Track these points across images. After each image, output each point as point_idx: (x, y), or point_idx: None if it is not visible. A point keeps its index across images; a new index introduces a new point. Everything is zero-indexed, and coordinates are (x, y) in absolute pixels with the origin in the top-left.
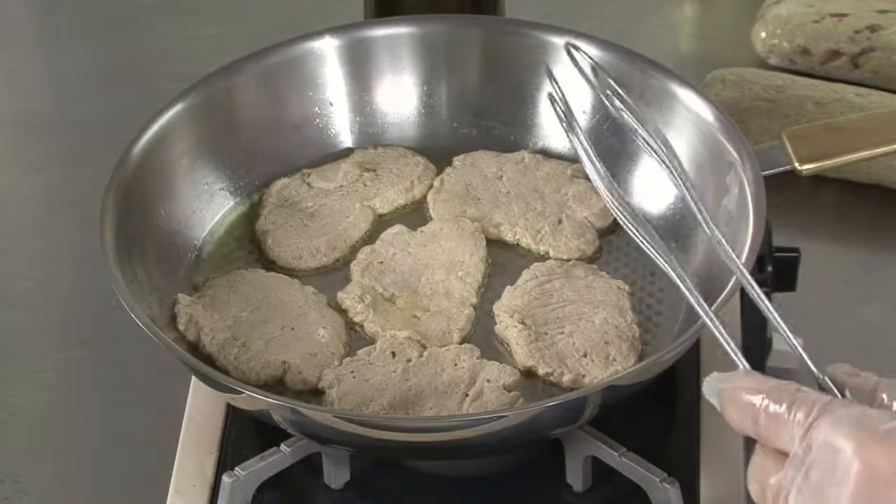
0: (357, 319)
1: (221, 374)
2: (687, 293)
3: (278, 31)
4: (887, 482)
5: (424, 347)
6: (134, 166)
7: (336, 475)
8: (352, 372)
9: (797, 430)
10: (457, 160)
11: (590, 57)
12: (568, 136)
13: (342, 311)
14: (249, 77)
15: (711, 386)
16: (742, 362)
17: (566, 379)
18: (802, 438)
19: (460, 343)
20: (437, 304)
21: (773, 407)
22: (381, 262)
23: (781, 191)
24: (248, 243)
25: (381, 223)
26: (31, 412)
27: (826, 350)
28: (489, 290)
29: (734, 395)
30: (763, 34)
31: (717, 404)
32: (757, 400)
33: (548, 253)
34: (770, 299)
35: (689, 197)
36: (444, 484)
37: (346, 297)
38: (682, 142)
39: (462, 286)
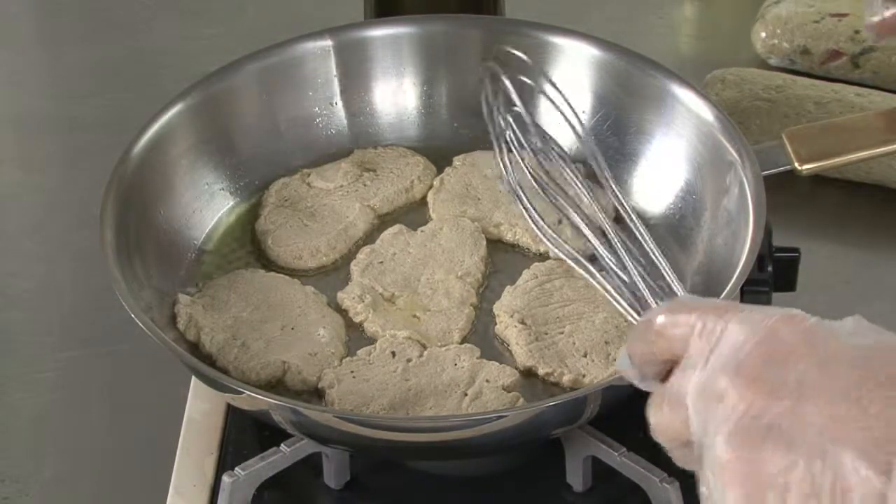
0: (357, 319)
1: (221, 374)
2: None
3: (278, 31)
4: (786, 347)
5: (424, 347)
6: (134, 166)
7: (336, 475)
8: (352, 372)
9: (707, 326)
10: (457, 160)
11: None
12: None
13: (342, 311)
14: (249, 77)
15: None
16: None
17: (566, 379)
18: (703, 333)
19: (460, 343)
20: (437, 304)
21: (676, 317)
22: (381, 262)
23: (781, 191)
24: (248, 243)
25: (381, 223)
26: (31, 412)
27: None
28: (489, 290)
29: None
30: (763, 34)
31: (626, 363)
32: (660, 318)
33: (548, 253)
34: (770, 299)
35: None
36: (444, 484)
37: (346, 297)
38: (683, 142)
39: (462, 286)
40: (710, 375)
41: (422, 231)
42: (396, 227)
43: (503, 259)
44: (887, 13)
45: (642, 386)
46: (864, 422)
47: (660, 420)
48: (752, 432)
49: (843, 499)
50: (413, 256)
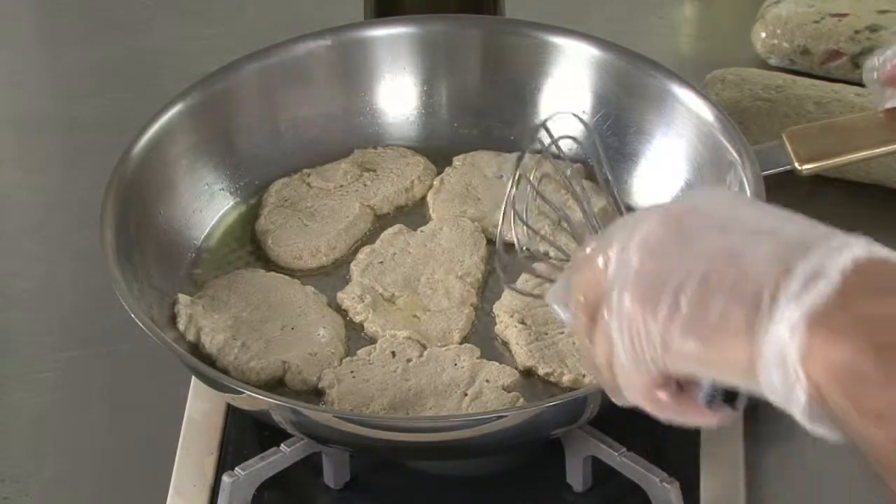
0: (357, 319)
1: (221, 374)
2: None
3: (278, 31)
4: (678, 214)
5: (424, 347)
6: (134, 166)
7: (336, 475)
8: (352, 372)
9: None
10: (457, 160)
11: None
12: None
13: (342, 312)
14: (249, 77)
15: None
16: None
17: (566, 379)
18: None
19: (461, 343)
20: (437, 304)
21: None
22: (381, 262)
23: (781, 191)
24: (248, 243)
25: (381, 223)
26: (31, 412)
27: None
28: (489, 290)
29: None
30: (763, 34)
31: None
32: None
33: (548, 253)
34: None
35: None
36: (444, 484)
37: (346, 297)
38: (683, 142)
39: (462, 286)
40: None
41: (422, 231)
42: (396, 227)
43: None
44: (889, 65)
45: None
46: (771, 243)
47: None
48: (660, 241)
49: (742, 286)
50: (413, 256)
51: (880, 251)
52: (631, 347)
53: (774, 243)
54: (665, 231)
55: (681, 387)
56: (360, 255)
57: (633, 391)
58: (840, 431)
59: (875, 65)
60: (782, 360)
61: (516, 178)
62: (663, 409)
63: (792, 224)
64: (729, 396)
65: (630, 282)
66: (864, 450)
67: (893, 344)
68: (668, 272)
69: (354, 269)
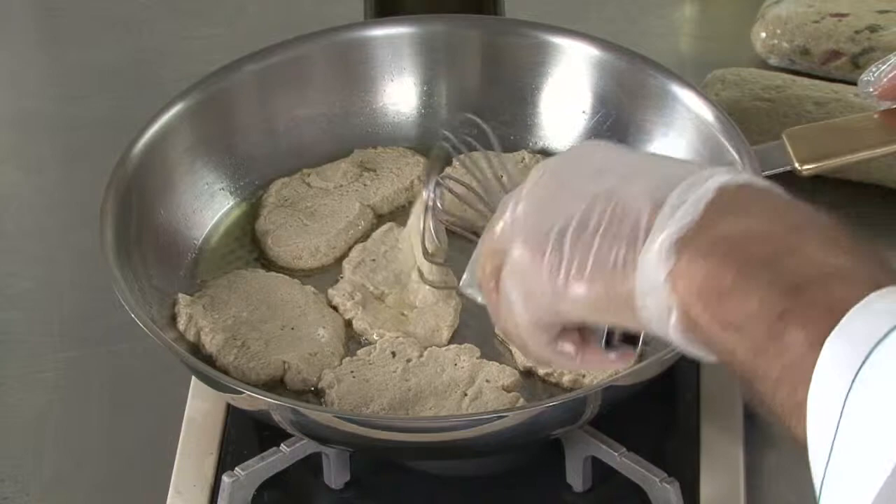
0: (347, 317)
1: (221, 374)
2: None
3: (278, 31)
4: (557, 166)
5: (424, 347)
6: (134, 166)
7: (336, 475)
8: (352, 372)
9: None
10: (457, 160)
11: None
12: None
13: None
14: (249, 77)
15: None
16: None
17: (566, 379)
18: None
19: (450, 337)
20: (424, 300)
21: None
22: (374, 260)
23: None
24: (248, 243)
25: (380, 223)
26: (31, 412)
27: None
28: None
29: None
30: (763, 34)
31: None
32: None
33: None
34: None
35: None
36: (444, 484)
37: (337, 294)
38: (683, 142)
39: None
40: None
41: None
42: (388, 225)
43: None
44: (885, 79)
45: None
46: (646, 181)
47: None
48: (546, 186)
49: (618, 225)
50: (404, 252)
51: (741, 176)
52: (527, 303)
53: (648, 181)
54: (546, 183)
55: (583, 337)
56: (353, 253)
57: (539, 348)
58: (707, 349)
59: (870, 79)
60: (654, 286)
61: (431, 186)
62: (569, 360)
63: (666, 163)
64: (628, 338)
65: (517, 236)
66: (728, 362)
67: (748, 259)
68: (550, 220)
69: (346, 266)
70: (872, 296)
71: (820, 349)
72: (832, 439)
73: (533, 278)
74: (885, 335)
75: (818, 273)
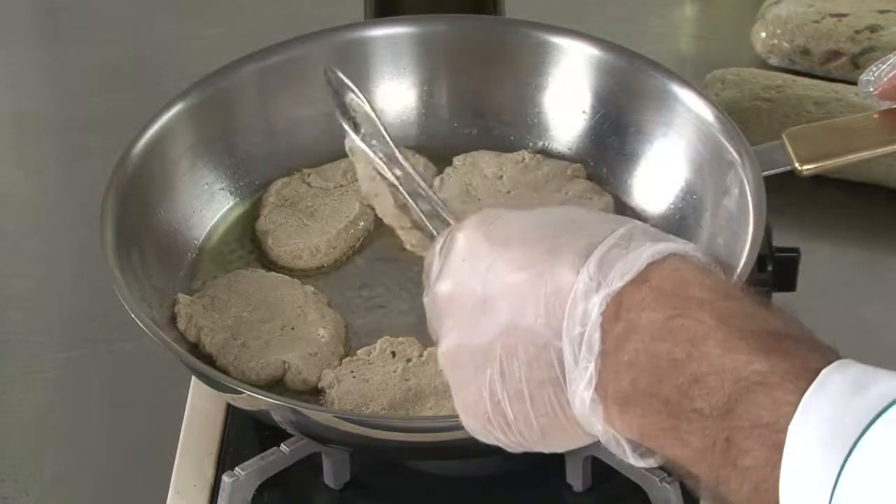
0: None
1: (221, 374)
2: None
3: (278, 31)
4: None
5: (425, 347)
6: (134, 166)
7: (336, 475)
8: (352, 372)
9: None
10: (457, 160)
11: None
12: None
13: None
14: (249, 77)
15: None
16: None
17: None
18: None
19: None
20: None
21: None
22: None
23: (781, 191)
24: (248, 243)
25: (380, 223)
26: (31, 412)
27: None
28: None
29: None
30: (763, 34)
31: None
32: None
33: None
34: (770, 298)
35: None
36: (444, 484)
37: None
38: (683, 142)
39: None
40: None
41: None
42: None
43: None
44: (885, 79)
45: None
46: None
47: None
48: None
49: (536, 365)
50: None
51: (614, 282)
52: (464, 414)
53: (533, 307)
54: (452, 312)
55: None
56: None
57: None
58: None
59: (870, 79)
60: (596, 429)
61: None
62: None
63: (537, 266)
64: None
65: (447, 363)
66: (689, 479)
67: (669, 395)
68: (474, 365)
69: None
70: (808, 396)
71: (778, 467)
72: None
73: (476, 411)
74: (854, 444)
75: (738, 388)
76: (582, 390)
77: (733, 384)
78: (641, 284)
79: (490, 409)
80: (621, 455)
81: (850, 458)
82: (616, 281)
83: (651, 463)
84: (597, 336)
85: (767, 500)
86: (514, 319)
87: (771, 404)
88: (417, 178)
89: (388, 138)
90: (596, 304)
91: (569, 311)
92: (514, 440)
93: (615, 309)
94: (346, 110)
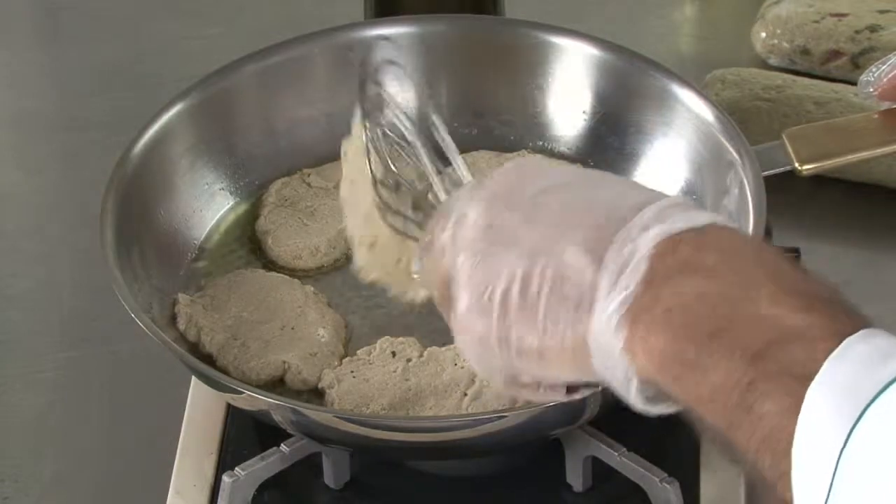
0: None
1: (221, 374)
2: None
3: (278, 31)
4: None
5: (425, 347)
6: (134, 166)
7: (336, 475)
8: (352, 372)
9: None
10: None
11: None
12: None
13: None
14: (249, 77)
15: None
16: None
17: None
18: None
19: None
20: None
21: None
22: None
23: (781, 191)
24: (248, 243)
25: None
26: (31, 412)
27: None
28: None
29: None
30: (763, 34)
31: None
32: None
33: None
34: None
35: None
36: (444, 484)
37: None
38: (683, 142)
39: None
40: (459, 209)
41: None
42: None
43: None
44: (885, 79)
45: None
46: (583, 229)
47: (424, 267)
48: (485, 236)
49: (561, 286)
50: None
51: (676, 220)
52: (479, 364)
53: (583, 231)
54: (482, 227)
55: None
56: None
57: (498, 387)
58: (676, 408)
59: (870, 79)
60: (610, 356)
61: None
62: (530, 396)
63: (600, 199)
64: None
65: (462, 291)
66: (702, 429)
67: (705, 328)
68: (491, 278)
69: None
70: (831, 359)
71: (795, 417)
72: None
73: (483, 347)
74: (865, 410)
75: (778, 336)
76: (612, 309)
77: (772, 331)
78: (699, 233)
79: (495, 311)
80: (625, 394)
81: (859, 423)
82: (679, 223)
83: (652, 410)
84: (644, 266)
85: (776, 450)
86: (551, 238)
87: (805, 356)
88: (451, 144)
89: (437, 122)
90: (651, 238)
91: (619, 238)
92: (505, 357)
93: (671, 245)
94: (369, 98)
